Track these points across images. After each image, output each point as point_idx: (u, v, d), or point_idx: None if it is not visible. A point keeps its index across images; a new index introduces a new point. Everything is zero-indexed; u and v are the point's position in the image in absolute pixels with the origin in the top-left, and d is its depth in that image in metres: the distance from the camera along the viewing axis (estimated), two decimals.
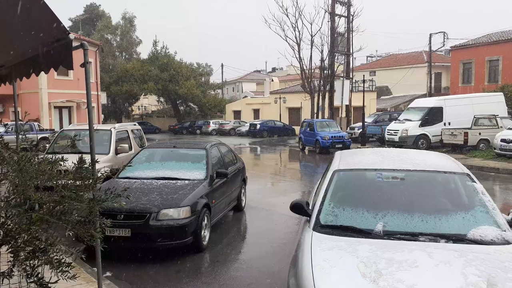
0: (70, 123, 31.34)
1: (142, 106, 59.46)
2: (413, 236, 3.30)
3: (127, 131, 10.92)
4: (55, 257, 3.51)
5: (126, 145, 10.24)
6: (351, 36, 32.31)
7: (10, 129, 22.70)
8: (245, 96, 57.26)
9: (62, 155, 4.51)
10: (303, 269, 3.02)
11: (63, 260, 3.59)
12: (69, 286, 4.64)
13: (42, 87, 29.38)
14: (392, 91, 51.13)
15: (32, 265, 3.50)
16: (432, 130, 20.85)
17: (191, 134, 43.72)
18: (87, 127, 11.74)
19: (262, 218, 8.89)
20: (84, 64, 4.30)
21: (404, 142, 20.89)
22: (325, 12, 31.76)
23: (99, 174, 5.28)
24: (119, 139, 10.39)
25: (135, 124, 12.57)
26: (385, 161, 4.37)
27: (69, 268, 3.63)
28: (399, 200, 3.81)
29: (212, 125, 43.72)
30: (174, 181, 6.82)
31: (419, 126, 20.97)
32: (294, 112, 42.66)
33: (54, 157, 4.24)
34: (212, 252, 6.54)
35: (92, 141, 4.52)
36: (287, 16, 34.00)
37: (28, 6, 3.96)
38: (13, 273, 3.53)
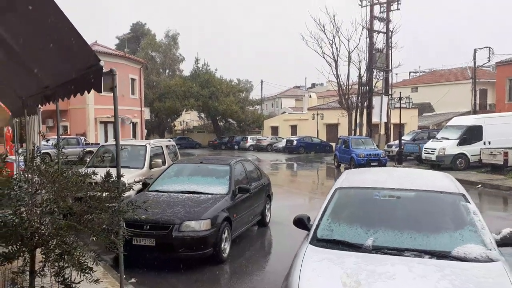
0: (114, 137, 32.86)
1: (184, 121, 61.18)
2: (399, 251, 3.52)
3: (161, 146, 11.57)
4: (80, 260, 3.99)
5: (160, 160, 10.85)
6: (389, 52, 32.17)
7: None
8: (284, 112, 57.73)
9: (93, 169, 5.06)
10: (293, 277, 3.33)
11: (86, 264, 4.07)
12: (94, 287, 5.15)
13: (89, 103, 31.10)
14: (435, 108, 49.97)
15: (60, 266, 4.00)
16: (470, 149, 20.33)
17: (229, 150, 44.50)
18: (125, 143, 12.48)
19: (286, 234, 9.12)
20: (113, 88, 4.84)
21: (441, 161, 20.49)
22: (362, 29, 31.89)
23: (131, 187, 5.85)
24: (154, 154, 11.03)
25: (169, 140, 13.25)
26: (387, 180, 4.60)
27: (91, 271, 4.10)
28: (392, 218, 4.03)
29: (250, 141, 44.40)
30: (198, 195, 7.26)
31: (457, 145, 20.50)
32: (332, 128, 42.58)
33: (85, 170, 4.79)
34: (232, 264, 6.88)
35: (118, 156, 5.03)
36: (325, 33, 34.20)
37: (67, 39, 4.59)
38: (44, 272, 4.04)
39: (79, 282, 4.17)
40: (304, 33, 44.70)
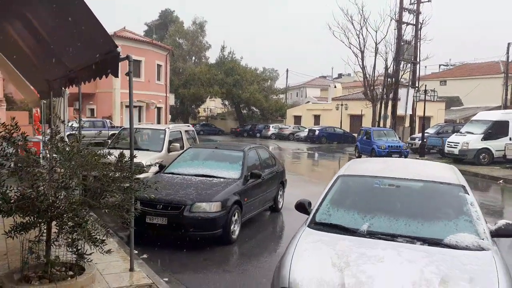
0: (140, 121, 33.59)
1: (208, 108, 61.72)
2: (392, 237, 3.64)
3: (180, 131, 11.84)
4: (91, 233, 4.26)
5: (178, 145, 11.12)
6: (418, 45, 31.54)
7: (85, 125, 25.39)
8: (308, 102, 57.51)
9: (108, 149, 5.33)
10: (287, 255, 3.50)
11: (96, 236, 4.34)
12: (107, 262, 5.46)
13: (115, 87, 31.77)
14: (464, 102, 48.91)
15: (72, 238, 4.29)
16: (495, 145, 19.92)
17: (251, 137, 44.64)
18: (145, 126, 12.85)
19: (298, 220, 9.23)
20: (128, 73, 5.07)
21: (464, 156, 20.19)
22: (391, 20, 31.34)
23: (144, 169, 6.12)
24: (172, 138, 11.33)
25: (189, 126, 13.52)
26: (387, 170, 4.69)
27: (101, 244, 4.38)
28: (390, 205, 4.13)
29: (272, 129, 44.48)
30: (210, 179, 7.49)
31: (481, 140, 20.11)
32: (356, 119, 42.21)
33: (102, 151, 5.07)
34: (242, 246, 7.10)
35: (131, 140, 5.28)
36: (352, 24, 33.76)
37: (88, 26, 4.87)
38: (58, 242, 4.33)
39: (90, 254, 4.47)
40: (331, 23, 43.86)
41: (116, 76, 5.02)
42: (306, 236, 3.78)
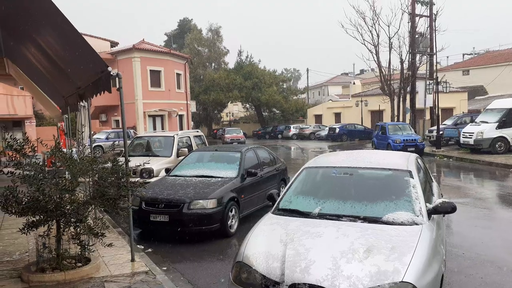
0: (163, 129, 34.78)
1: (230, 113, 62.72)
2: (338, 217, 4.20)
3: (189, 137, 12.64)
4: (91, 227, 5.01)
5: (186, 149, 11.88)
6: (434, 36, 31.44)
7: (110, 136, 26.80)
8: (330, 100, 57.67)
9: (109, 157, 6.07)
10: (246, 237, 4.12)
11: (97, 230, 5.09)
12: (113, 255, 6.21)
13: (137, 98, 33.04)
14: (489, 91, 47.97)
15: (76, 232, 5.05)
16: (511, 133, 19.84)
17: (272, 139, 45.22)
18: (157, 134, 13.67)
19: None
20: (119, 89, 5.81)
21: (479, 145, 20.17)
22: (402, 14, 31.42)
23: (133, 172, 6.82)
24: (182, 144, 12.11)
25: (197, 131, 14.31)
26: (346, 161, 5.24)
27: (102, 237, 5.12)
28: (342, 191, 4.68)
29: (293, 130, 44.92)
30: (209, 179, 8.17)
31: (496, 128, 20.05)
32: (376, 115, 42.19)
33: (102, 158, 5.82)
34: (240, 239, 7.65)
35: (126, 145, 5.98)
36: (364, 21, 33.99)
37: (83, 50, 5.66)
38: (64, 235, 5.10)
39: (93, 245, 5.23)
40: (343, 21, 44.25)
41: (109, 91, 5.77)
42: (266, 220, 4.40)
